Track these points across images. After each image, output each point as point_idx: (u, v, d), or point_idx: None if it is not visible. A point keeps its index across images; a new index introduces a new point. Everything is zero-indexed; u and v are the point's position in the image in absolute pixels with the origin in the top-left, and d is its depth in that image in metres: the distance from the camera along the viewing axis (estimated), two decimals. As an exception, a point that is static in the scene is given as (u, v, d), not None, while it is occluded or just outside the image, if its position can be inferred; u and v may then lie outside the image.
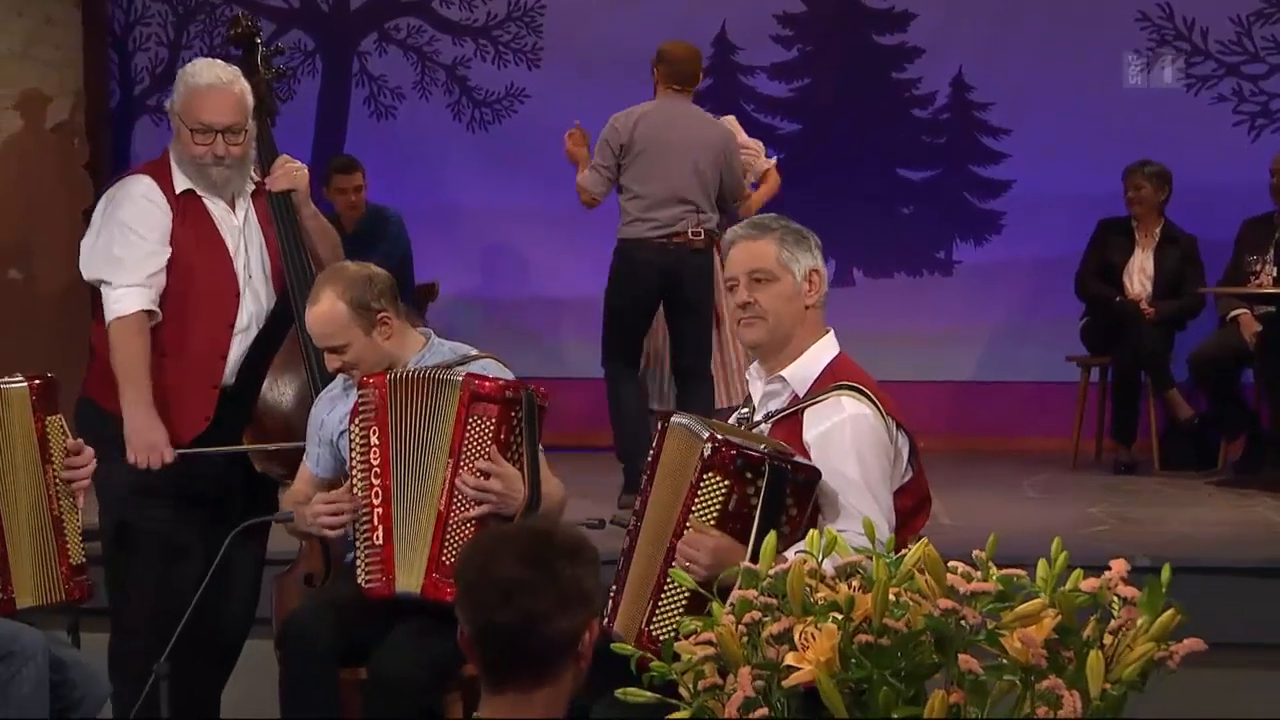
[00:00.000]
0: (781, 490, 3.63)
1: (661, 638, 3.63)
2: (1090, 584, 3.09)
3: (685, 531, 3.67)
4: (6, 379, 4.19)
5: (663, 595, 3.70)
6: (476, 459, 4.19)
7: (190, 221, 4.79)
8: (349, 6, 9.80)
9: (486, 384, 4.22)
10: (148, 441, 4.64)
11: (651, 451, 3.89)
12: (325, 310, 4.36)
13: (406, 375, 4.28)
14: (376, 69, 9.77)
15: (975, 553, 3.16)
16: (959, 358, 9.31)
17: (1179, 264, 8.37)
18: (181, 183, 4.80)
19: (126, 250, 4.70)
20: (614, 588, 3.87)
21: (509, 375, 4.40)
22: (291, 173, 4.90)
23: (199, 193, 4.80)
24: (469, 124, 9.70)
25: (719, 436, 3.67)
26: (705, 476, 3.66)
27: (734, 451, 3.63)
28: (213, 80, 4.73)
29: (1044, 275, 9.08)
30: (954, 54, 9.34)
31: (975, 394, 9.27)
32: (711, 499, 3.66)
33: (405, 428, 4.25)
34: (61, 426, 4.22)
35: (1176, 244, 8.41)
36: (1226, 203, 8.53)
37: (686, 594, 3.61)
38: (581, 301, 9.44)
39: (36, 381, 4.20)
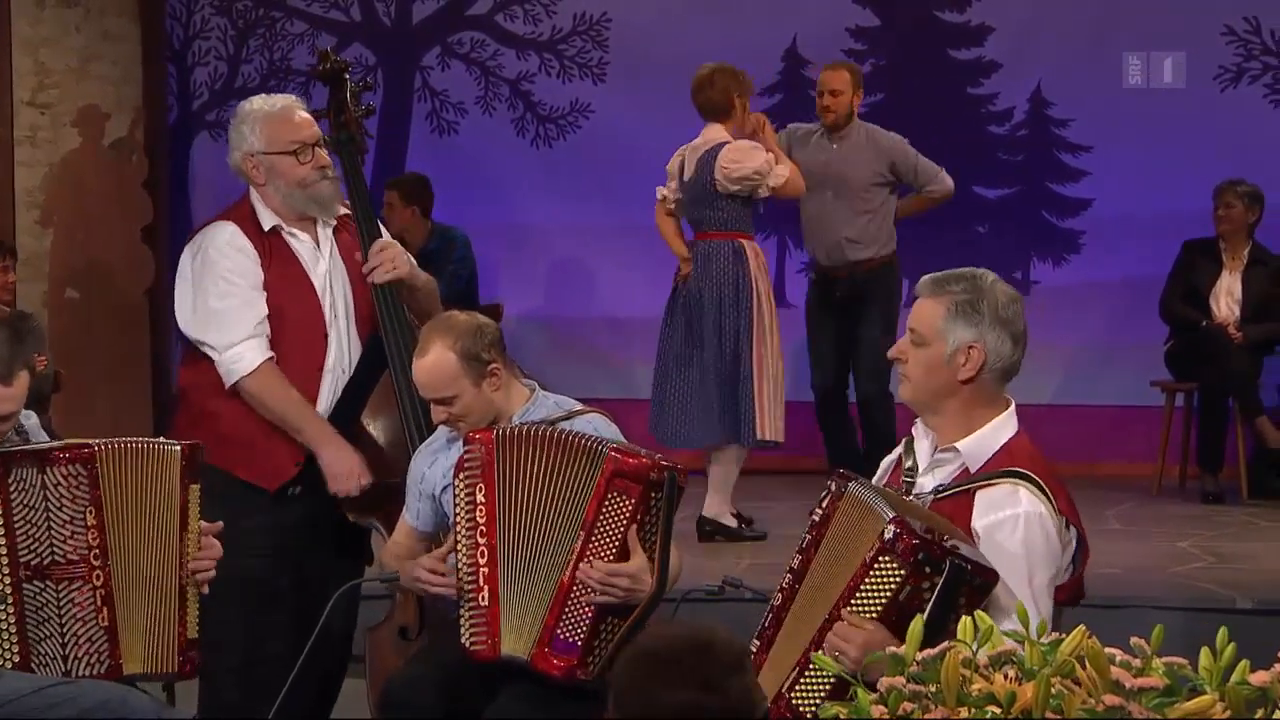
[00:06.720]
0: (958, 591, 3.45)
1: (801, 708, 3.53)
2: (1260, 678, 2.95)
3: (844, 612, 3.50)
4: (163, 439, 4.07)
5: (810, 667, 3.54)
6: (609, 537, 4.01)
7: (278, 262, 4.74)
8: (411, 20, 9.67)
9: (631, 461, 4.02)
10: (345, 470, 4.62)
11: (820, 510, 3.68)
12: (434, 361, 4.22)
13: (523, 432, 4.12)
14: (439, 84, 9.62)
15: (1134, 640, 3.01)
16: (1037, 380, 9.01)
17: (1268, 286, 8.19)
18: (268, 219, 4.75)
19: (222, 301, 4.65)
20: (755, 643, 3.69)
21: (618, 433, 4.27)
22: (390, 262, 4.74)
23: (284, 232, 4.75)
24: (533, 140, 9.55)
25: (904, 521, 3.47)
26: (881, 560, 3.48)
27: (916, 542, 3.44)
28: (285, 102, 4.80)
29: (1126, 296, 8.89)
30: (1033, 69, 9.14)
31: (1054, 418, 9.03)
32: (883, 585, 3.49)
33: (518, 486, 4.07)
34: (199, 496, 4.07)
35: (1265, 266, 8.24)
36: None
37: (833, 677, 3.45)
38: (647, 321, 9.27)
39: (185, 447, 4.05)
